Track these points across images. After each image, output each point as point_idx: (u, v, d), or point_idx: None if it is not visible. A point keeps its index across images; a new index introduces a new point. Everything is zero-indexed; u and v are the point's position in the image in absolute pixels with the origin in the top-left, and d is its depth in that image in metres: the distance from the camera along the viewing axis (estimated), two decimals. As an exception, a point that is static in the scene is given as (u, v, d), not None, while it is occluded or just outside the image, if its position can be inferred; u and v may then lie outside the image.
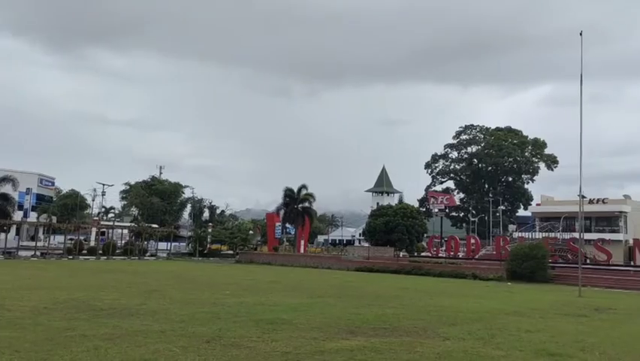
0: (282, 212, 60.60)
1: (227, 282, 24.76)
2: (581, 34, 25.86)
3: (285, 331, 10.97)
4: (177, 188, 76.77)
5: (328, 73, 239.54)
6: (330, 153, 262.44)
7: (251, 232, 70.62)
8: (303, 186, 59.25)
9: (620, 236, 53.38)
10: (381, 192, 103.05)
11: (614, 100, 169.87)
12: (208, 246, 65.57)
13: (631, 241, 42.28)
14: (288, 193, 58.84)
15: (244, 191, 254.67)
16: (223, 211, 79.39)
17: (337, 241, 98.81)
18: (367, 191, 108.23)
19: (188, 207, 77.61)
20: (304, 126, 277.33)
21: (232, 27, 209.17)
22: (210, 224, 72.74)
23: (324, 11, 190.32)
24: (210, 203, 77.85)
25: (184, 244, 70.25)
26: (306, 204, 59.21)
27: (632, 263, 40.12)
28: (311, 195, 59.23)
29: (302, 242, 59.09)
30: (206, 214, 76.66)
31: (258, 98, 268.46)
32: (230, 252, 61.67)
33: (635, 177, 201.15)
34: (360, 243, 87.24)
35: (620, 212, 56.97)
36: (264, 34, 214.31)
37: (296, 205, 58.45)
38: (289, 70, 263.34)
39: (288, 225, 66.26)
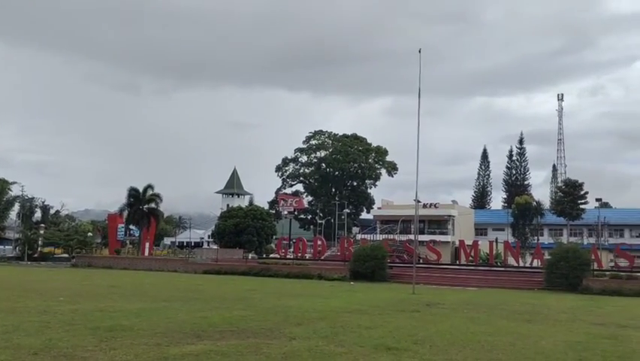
0: (125, 213, 57.40)
1: (61, 287, 22.77)
2: (419, 51, 28.03)
3: (125, 338, 10.34)
4: (2, 185, 68.95)
5: (180, 72, 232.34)
6: (180, 154, 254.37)
7: (90, 233, 65.79)
8: (149, 186, 56.72)
9: (448, 238, 58.78)
10: (232, 194, 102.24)
11: (446, 115, 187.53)
12: (39, 249, 59.90)
13: (457, 242, 46.71)
14: (133, 193, 55.89)
15: (84, 190, 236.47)
16: (58, 211, 73.06)
17: (185, 244, 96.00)
18: (217, 192, 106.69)
19: (17, 207, 70.20)
20: (153, 125, 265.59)
21: (78, 17, 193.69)
22: (42, 225, 66.54)
23: (177, 9, 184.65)
24: (43, 202, 71.23)
25: (10, 247, 63.42)
26: (152, 205, 56.72)
27: (457, 262, 44.35)
28: (157, 195, 56.89)
29: (147, 245, 56.46)
30: (38, 214, 69.93)
31: (103, 93, 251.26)
32: (66, 255, 56.90)
33: (462, 184, 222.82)
34: (209, 245, 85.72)
35: (449, 216, 62.77)
36: (111, 27, 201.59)
37: (141, 206, 55.72)
38: (138, 66, 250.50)
39: (132, 226, 62.96)
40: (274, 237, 63.65)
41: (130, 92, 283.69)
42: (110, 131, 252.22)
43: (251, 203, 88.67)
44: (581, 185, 69.27)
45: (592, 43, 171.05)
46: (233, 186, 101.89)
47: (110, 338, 10.24)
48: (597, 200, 63.60)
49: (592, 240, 65.62)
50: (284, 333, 11.59)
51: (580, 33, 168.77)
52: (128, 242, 63.14)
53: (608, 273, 32.18)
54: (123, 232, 62.03)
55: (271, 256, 53.06)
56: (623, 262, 35.24)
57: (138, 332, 11.08)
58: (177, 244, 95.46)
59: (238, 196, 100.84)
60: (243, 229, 56.97)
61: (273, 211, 77.85)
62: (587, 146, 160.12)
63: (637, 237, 68.90)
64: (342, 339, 11.06)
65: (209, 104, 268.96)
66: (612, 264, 35.52)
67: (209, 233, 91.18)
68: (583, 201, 68.50)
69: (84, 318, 13.05)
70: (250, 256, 51.94)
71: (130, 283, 27.45)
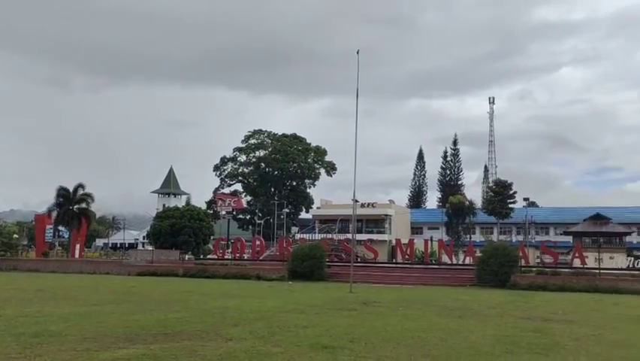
0: (54, 213, 54.90)
1: (-17, 293, 21.52)
2: (357, 53, 28.43)
3: (52, 344, 9.92)
4: None
5: (114, 68, 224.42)
6: (114, 152, 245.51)
7: (16, 235, 62.45)
8: (80, 186, 54.55)
9: (385, 237, 59.90)
10: (168, 194, 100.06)
11: (384, 115, 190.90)
12: (-44, 252, 56.24)
13: (394, 241, 47.63)
14: (62, 193, 53.57)
15: (10, 190, 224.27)
16: (-20, 212, 68.89)
17: (119, 245, 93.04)
18: (153, 192, 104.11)
19: None
20: (84, 122, 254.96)
21: (2, 9, 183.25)
22: (-39, 227, 62.51)
23: (110, 5, 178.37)
24: (-38, 203, 67.00)
25: None
26: (83, 205, 54.56)
27: (394, 260, 45.25)
28: (89, 195, 54.80)
29: (77, 246, 54.26)
30: (-44, 216, 65.65)
31: (31, 89, 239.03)
32: (-13, 259, 53.73)
33: (399, 184, 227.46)
34: (144, 246, 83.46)
35: (386, 215, 63.95)
36: (38, 20, 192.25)
37: (71, 206, 53.50)
38: (68, 61, 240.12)
39: (61, 228, 60.32)
40: (212, 237, 62.70)
41: (59, 88, 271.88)
42: (38, 129, 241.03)
43: (188, 203, 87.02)
44: (510, 185, 72.36)
45: (522, 49, 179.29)
46: (169, 185, 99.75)
47: (35, 345, 9.79)
48: (525, 199, 66.62)
49: (520, 237, 68.62)
50: (220, 335, 11.45)
51: (511, 39, 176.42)
52: (57, 244, 60.41)
53: (534, 269, 33.72)
54: (52, 234, 59.29)
55: (209, 257, 52.25)
56: (548, 259, 37.05)
57: (66, 338, 10.65)
58: (110, 245, 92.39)
59: (175, 196, 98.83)
60: (179, 230, 55.80)
61: (211, 211, 76.67)
62: (516, 147, 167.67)
63: (561, 234, 72.53)
64: (278, 339, 11.05)
65: (144, 101, 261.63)
66: (538, 260, 37.26)
67: (145, 234, 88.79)
68: (512, 200, 71.61)
69: (7, 324, 12.41)
70: (187, 257, 50.96)
71: (58, 286, 26.30)
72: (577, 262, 35.23)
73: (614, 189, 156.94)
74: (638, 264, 36.31)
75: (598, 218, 67.06)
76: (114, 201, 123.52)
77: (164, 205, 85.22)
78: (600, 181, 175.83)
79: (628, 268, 35.78)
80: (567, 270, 33.75)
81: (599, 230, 65.50)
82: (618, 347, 10.95)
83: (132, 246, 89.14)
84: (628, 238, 68.14)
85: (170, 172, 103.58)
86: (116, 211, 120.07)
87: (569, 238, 64.80)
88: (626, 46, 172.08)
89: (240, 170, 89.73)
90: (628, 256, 46.32)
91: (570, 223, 73.03)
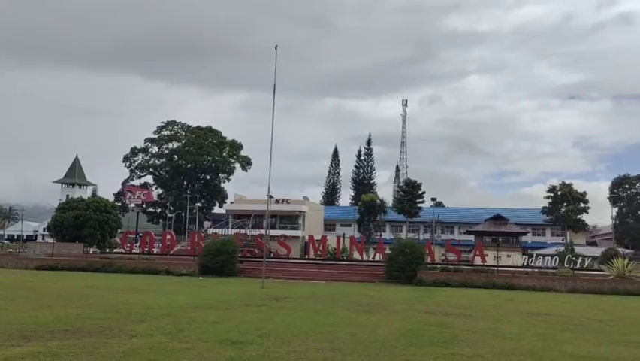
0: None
1: None
2: (276, 48, 28.32)
3: None
4: None
5: (17, 52, 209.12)
6: (13, 138, 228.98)
7: None
8: (-27, 172, 50.60)
9: (299, 233, 60.37)
10: (73, 184, 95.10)
11: (300, 113, 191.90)
12: None
13: (307, 237, 48.08)
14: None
15: None
16: None
17: (16, 237, 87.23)
18: (56, 182, 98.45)
19: None
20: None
21: None
22: None
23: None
24: None
25: None
26: (-24, 194, 50.67)
27: (306, 256, 45.69)
28: (-17, 183, 50.94)
29: (-32, 238, 50.29)
30: None
31: None
32: None
33: (313, 181, 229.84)
34: (44, 239, 78.76)
35: (300, 211, 64.45)
36: None
37: (-38, 194, 49.49)
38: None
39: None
40: (119, 231, 60.25)
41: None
42: None
43: (94, 194, 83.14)
44: (419, 185, 75.26)
45: (433, 56, 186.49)
46: (74, 175, 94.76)
47: None
48: (432, 199, 69.56)
49: (427, 236, 71.63)
50: (124, 331, 11.05)
51: (424, 46, 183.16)
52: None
53: (439, 266, 35.23)
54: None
55: (115, 251, 50.16)
56: (452, 256, 38.85)
57: (-49, 336, 9.84)
58: (7, 237, 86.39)
59: (80, 187, 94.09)
60: (84, 222, 53.04)
61: (119, 204, 73.70)
62: (426, 149, 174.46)
63: (464, 233, 76.48)
64: (186, 335, 10.83)
65: (50, 87, 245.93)
66: (443, 258, 38.93)
67: (45, 226, 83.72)
68: (420, 200, 74.52)
69: None
70: (91, 250, 48.65)
71: (-56, 281, 24.24)
72: (478, 260, 37.27)
73: (513, 192, 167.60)
74: (532, 262, 38.93)
75: (497, 219, 71.40)
76: (12, 190, 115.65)
77: (67, 196, 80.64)
78: (501, 184, 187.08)
79: (523, 266, 38.29)
80: (469, 267, 35.62)
81: (498, 230, 69.76)
82: (511, 339, 11.70)
83: (31, 238, 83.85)
84: (523, 238, 73.10)
85: (76, 162, 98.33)
86: (15, 201, 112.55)
87: (472, 237, 68.50)
88: (526, 58, 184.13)
89: (152, 162, 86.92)
90: (523, 254, 49.59)
91: (473, 223, 77.27)
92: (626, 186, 79.30)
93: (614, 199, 78.11)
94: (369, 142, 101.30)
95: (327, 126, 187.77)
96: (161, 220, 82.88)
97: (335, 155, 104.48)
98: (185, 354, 8.99)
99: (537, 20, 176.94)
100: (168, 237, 45.05)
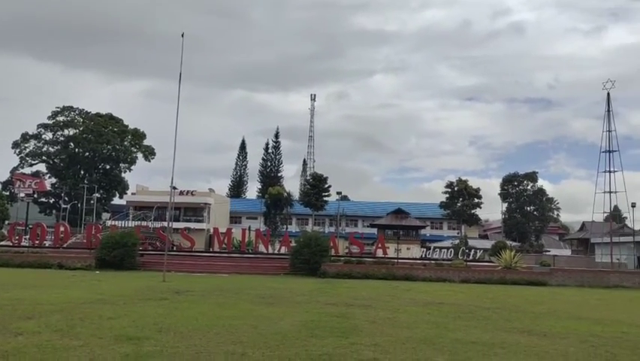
0: None
1: None
2: (182, 35, 27.56)
3: None
4: None
5: None
6: None
7: None
8: None
9: (203, 225, 59.28)
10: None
11: (208, 104, 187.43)
12: None
13: (212, 230, 47.30)
14: None
15: None
16: None
17: None
18: None
19: None
20: None
21: None
22: None
23: None
24: None
25: None
26: None
27: (211, 249, 44.95)
28: None
29: None
30: None
31: None
32: None
33: (220, 173, 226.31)
34: None
35: (205, 204, 63.32)
36: None
37: None
38: None
39: None
40: (7, 222, 56.06)
41: None
42: None
43: (-22, 182, 76.62)
44: (325, 179, 76.48)
45: (342, 53, 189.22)
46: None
47: None
48: (338, 193, 70.83)
49: (332, 229, 72.88)
50: (8, 329, 10.30)
51: (333, 42, 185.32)
52: None
53: (342, 258, 36.05)
54: None
55: (2, 243, 46.57)
56: (355, 249, 39.85)
57: None
58: None
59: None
60: (-35, 212, 48.88)
61: (7, 193, 68.48)
62: (333, 144, 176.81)
63: (368, 227, 78.71)
64: (78, 331, 10.29)
65: None
66: (347, 250, 39.81)
67: None
68: (326, 194, 75.80)
69: None
70: (-26, 243, 44.81)
71: None
72: (380, 253, 38.50)
73: (414, 188, 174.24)
74: (429, 254, 40.83)
75: (399, 213, 74.23)
76: None
77: (-54, 184, 73.82)
78: (403, 179, 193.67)
79: (421, 258, 40.07)
80: (371, 259, 36.74)
81: (399, 224, 72.55)
82: (407, 328, 12.22)
83: None
84: (423, 231, 76.52)
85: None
86: None
87: (375, 230, 70.64)
88: (429, 59, 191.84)
89: (45, 149, 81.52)
90: (422, 247, 51.83)
91: (376, 217, 79.78)
92: (515, 183, 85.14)
93: (503, 195, 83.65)
94: (277, 135, 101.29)
95: (235, 118, 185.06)
96: (54, 211, 78.03)
97: (243, 147, 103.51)
98: (76, 352, 8.54)
99: (439, 24, 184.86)
100: (62, 229, 42.50)
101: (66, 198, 74.79)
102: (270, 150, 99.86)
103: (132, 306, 14.72)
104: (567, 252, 72.29)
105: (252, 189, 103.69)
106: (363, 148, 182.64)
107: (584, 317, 15.98)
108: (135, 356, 8.45)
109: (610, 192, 49.03)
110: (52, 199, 79.43)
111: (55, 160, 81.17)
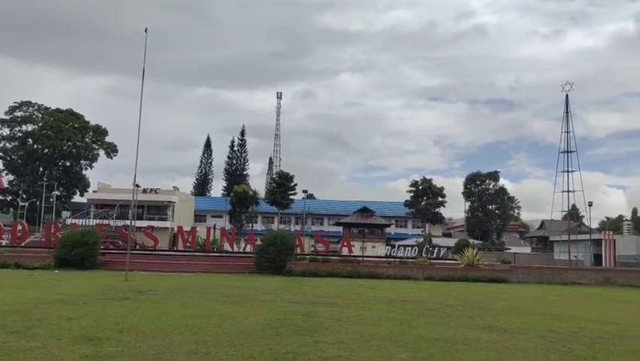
0: None
1: None
2: (146, 30, 27.12)
3: None
4: None
5: None
6: None
7: None
8: None
9: (167, 224, 58.47)
10: None
11: (172, 101, 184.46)
12: None
13: (176, 228, 46.72)
14: None
15: None
16: None
17: None
18: None
19: None
20: None
21: None
22: None
23: None
24: None
25: None
26: None
27: (175, 248, 44.40)
28: None
29: None
30: None
31: None
32: None
33: (184, 171, 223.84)
34: None
35: (169, 202, 62.46)
36: None
37: None
38: None
39: None
40: (-40, 220, 54.04)
41: None
42: None
43: None
44: (291, 177, 76.38)
45: (308, 51, 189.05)
46: None
47: None
48: (304, 191, 70.91)
49: (298, 227, 72.89)
50: (-39, 331, 9.94)
51: (299, 41, 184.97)
52: None
53: (308, 256, 36.11)
54: None
55: (-45, 242, 44.92)
56: (321, 247, 39.97)
57: None
58: None
59: None
60: None
61: (-39, 190, 66.02)
62: (299, 142, 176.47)
63: (334, 225, 79.06)
64: (36, 333, 10.01)
65: None
66: (313, 249, 39.90)
67: None
68: (292, 192, 75.70)
69: None
70: None
71: None
72: (345, 251, 38.71)
73: (379, 186, 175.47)
74: (394, 252, 41.25)
75: (364, 211, 74.80)
76: None
77: None
78: (368, 178, 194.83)
79: (386, 256, 40.46)
80: (336, 257, 36.90)
81: (364, 222, 73.10)
82: (372, 325, 12.31)
83: None
84: (388, 230, 77.29)
85: None
86: None
87: (340, 229, 71.00)
88: (394, 59, 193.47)
89: (1, 145, 78.91)
90: (387, 245, 52.39)
91: (342, 215, 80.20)
92: (477, 182, 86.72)
93: (466, 194, 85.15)
94: (242, 133, 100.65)
95: (200, 116, 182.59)
96: (11, 209, 75.66)
97: (208, 145, 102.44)
98: (33, 354, 8.30)
99: (404, 24, 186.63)
100: (19, 227, 41.33)
101: (24, 196, 72.62)
102: (235, 148, 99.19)
103: (92, 306, 14.40)
104: (527, 249, 74.22)
105: (217, 187, 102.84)
106: (329, 147, 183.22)
107: (542, 313, 16.40)
108: (95, 357, 8.26)
109: (568, 191, 50.52)
110: (10, 197, 77.00)
111: (13, 157, 78.66)
